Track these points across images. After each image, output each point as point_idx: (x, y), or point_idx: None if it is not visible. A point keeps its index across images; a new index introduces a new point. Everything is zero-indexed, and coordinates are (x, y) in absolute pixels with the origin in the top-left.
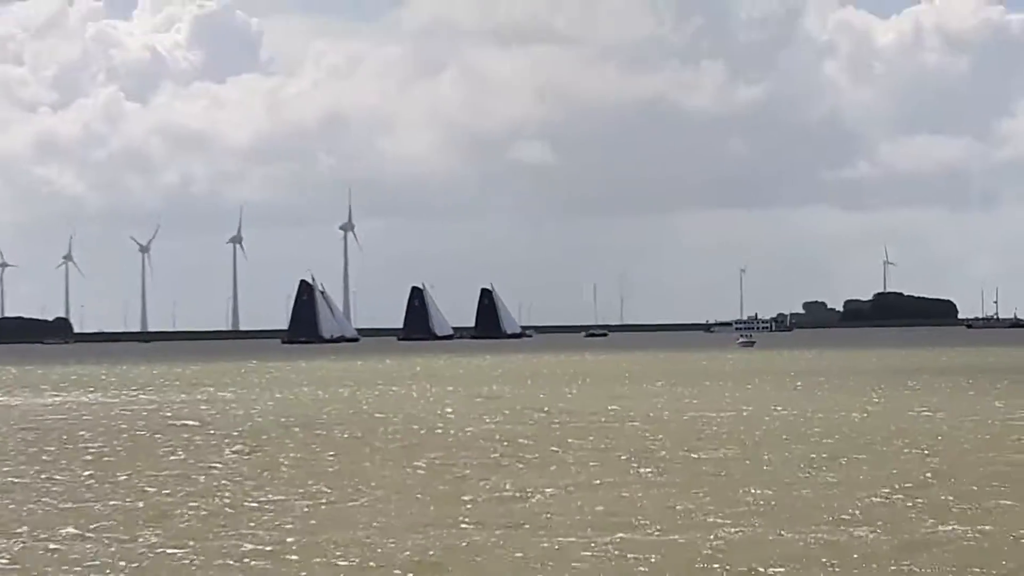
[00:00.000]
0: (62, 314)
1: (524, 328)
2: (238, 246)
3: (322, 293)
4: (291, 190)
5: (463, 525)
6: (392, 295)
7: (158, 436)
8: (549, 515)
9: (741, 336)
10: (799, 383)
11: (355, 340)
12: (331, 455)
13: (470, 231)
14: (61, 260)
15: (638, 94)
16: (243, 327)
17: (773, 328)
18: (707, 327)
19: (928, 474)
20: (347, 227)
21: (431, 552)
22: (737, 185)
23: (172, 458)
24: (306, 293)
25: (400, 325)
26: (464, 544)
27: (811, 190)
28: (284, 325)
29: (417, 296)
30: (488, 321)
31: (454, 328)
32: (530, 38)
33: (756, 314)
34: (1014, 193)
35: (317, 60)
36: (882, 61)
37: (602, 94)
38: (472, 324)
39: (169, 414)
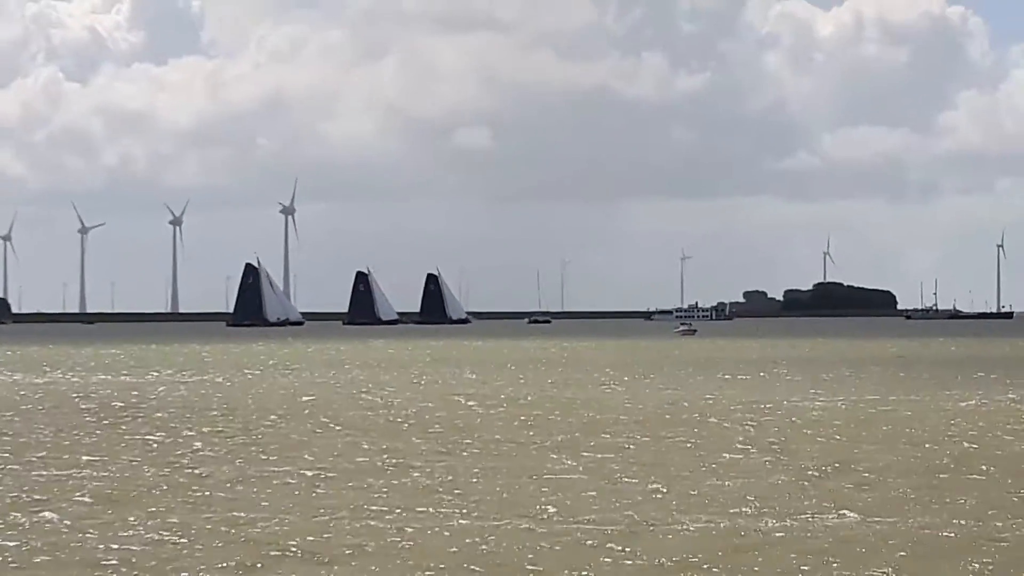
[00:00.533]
0: (0, 294)
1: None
2: (177, 228)
3: (267, 276)
4: (231, 173)
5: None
6: (334, 279)
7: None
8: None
9: (681, 324)
10: (740, 372)
11: (300, 324)
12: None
13: (412, 216)
14: None
15: (580, 82)
16: (182, 309)
17: (713, 317)
18: (648, 315)
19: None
20: (288, 211)
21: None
22: (679, 174)
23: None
24: (251, 276)
25: (343, 309)
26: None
27: (753, 180)
28: (223, 308)
29: (362, 280)
30: (433, 306)
31: (399, 313)
32: (473, 24)
33: (696, 303)
34: (952, 185)
35: (259, 42)
36: (823, 52)
37: (543, 82)
38: (416, 309)
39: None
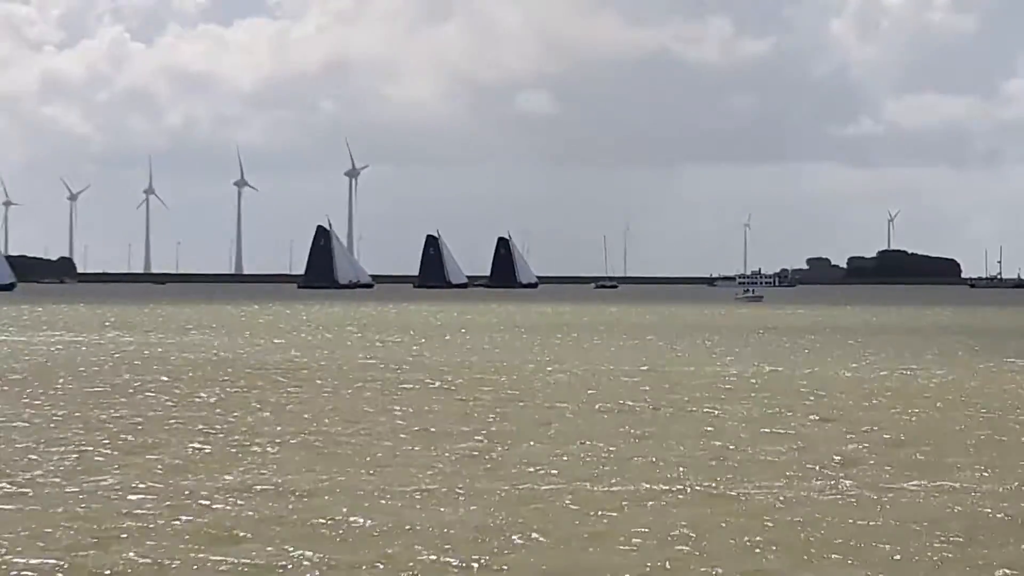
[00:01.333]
0: (66, 254)
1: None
2: (243, 188)
3: (338, 239)
4: (294, 135)
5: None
6: (398, 242)
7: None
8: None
9: (745, 291)
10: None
11: (370, 287)
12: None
13: (474, 180)
14: (66, 200)
15: (642, 47)
16: (246, 271)
17: (776, 284)
18: (710, 281)
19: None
20: (352, 173)
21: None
22: (741, 140)
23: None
24: (323, 238)
25: (409, 271)
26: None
27: (816, 146)
28: (287, 269)
29: (432, 244)
30: (504, 271)
31: (468, 277)
32: None
33: (760, 269)
34: (1018, 153)
35: (323, 4)
36: (889, 18)
37: (605, 46)
38: (481, 272)
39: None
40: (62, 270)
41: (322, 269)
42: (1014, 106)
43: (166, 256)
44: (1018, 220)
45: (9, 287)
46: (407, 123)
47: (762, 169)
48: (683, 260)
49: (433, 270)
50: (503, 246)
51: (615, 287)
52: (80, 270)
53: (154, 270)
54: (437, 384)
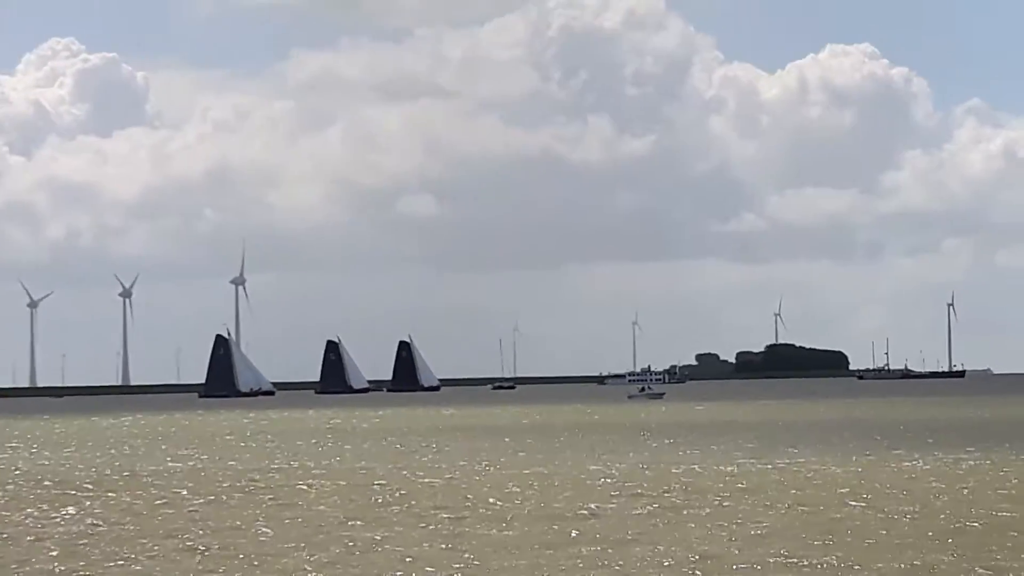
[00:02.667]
0: None
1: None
2: (128, 300)
3: (237, 347)
4: (179, 244)
5: None
6: (291, 349)
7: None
8: None
9: (641, 388)
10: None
11: (271, 394)
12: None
13: (362, 284)
14: None
15: (524, 148)
16: (133, 382)
17: (666, 380)
18: (600, 379)
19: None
20: (238, 281)
21: None
22: (627, 238)
23: None
24: (222, 347)
25: (303, 378)
26: None
27: (701, 243)
28: (174, 379)
29: (332, 350)
30: (405, 374)
31: (370, 381)
32: (415, 93)
33: (649, 366)
34: (899, 245)
35: (204, 113)
36: (768, 115)
37: (488, 148)
38: (373, 377)
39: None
40: None
41: (223, 377)
42: (893, 199)
43: (52, 368)
44: (902, 312)
45: None
46: (291, 229)
47: (649, 266)
48: (573, 359)
49: (335, 375)
50: (404, 349)
51: (512, 387)
52: None
53: (39, 384)
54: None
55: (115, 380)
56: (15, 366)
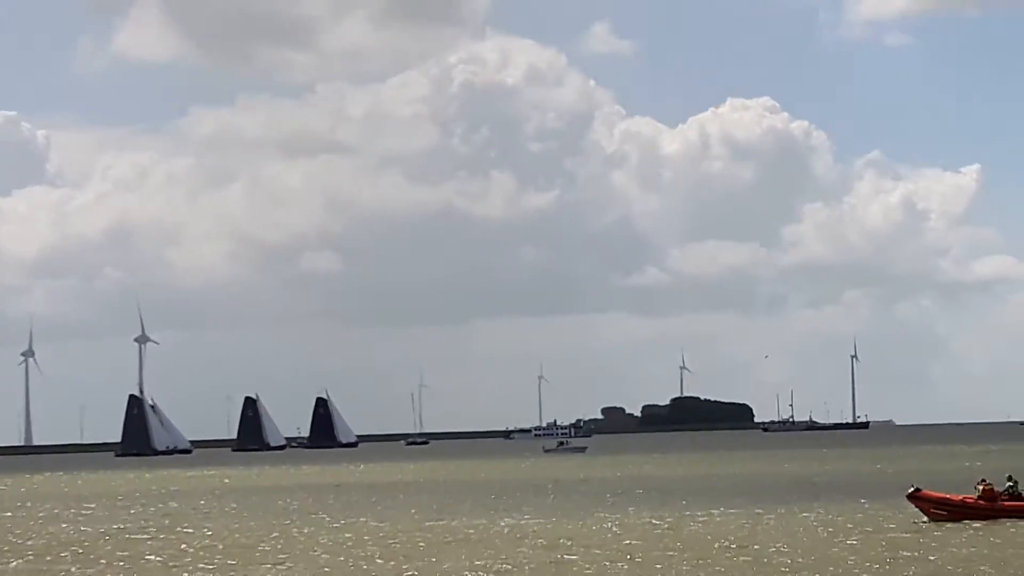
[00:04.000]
0: None
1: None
2: (31, 360)
3: (152, 406)
4: (79, 303)
5: None
6: (195, 406)
7: None
8: None
9: (560, 443)
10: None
11: (188, 452)
12: None
13: (265, 342)
14: None
15: (427, 203)
16: (36, 442)
17: (573, 434)
18: (507, 434)
19: None
20: (142, 339)
21: None
22: (531, 292)
23: None
24: (136, 407)
25: (215, 436)
26: None
27: (604, 296)
28: (78, 439)
29: (250, 406)
30: (323, 430)
31: (287, 438)
32: (316, 149)
33: (556, 420)
34: (801, 298)
35: (104, 172)
36: (669, 169)
37: (390, 204)
38: (288, 434)
39: None
40: None
41: (137, 436)
42: (794, 251)
43: None
44: (806, 364)
45: None
46: (192, 287)
47: (553, 321)
48: (479, 414)
49: (252, 432)
50: (321, 406)
51: (426, 443)
52: None
53: None
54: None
55: (18, 440)
56: None
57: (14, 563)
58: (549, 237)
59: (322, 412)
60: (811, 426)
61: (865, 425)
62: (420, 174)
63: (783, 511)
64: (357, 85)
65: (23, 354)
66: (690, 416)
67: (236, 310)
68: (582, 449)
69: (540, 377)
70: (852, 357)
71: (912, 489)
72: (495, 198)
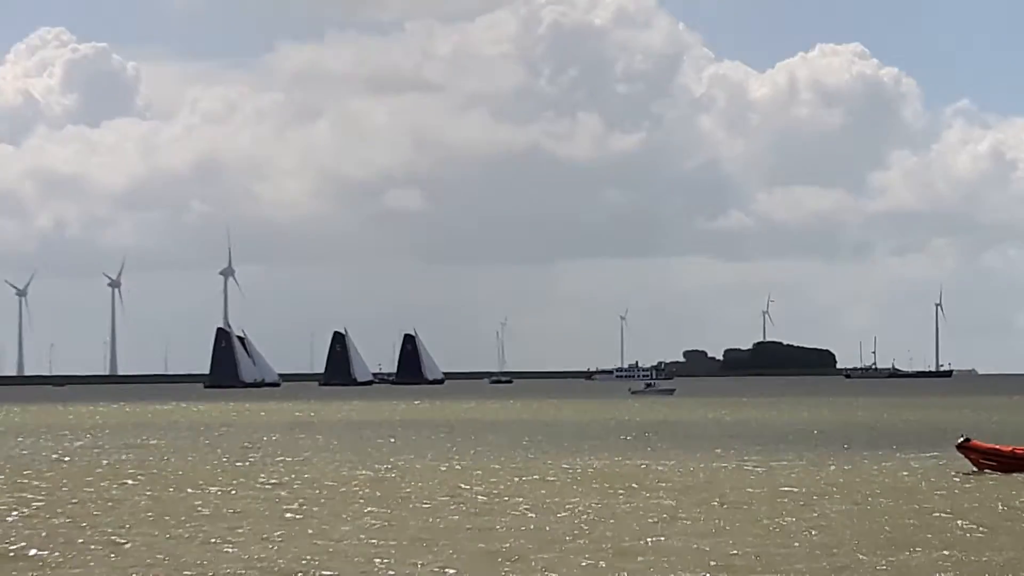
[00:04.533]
0: None
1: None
2: (115, 291)
3: (241, 339)
4: (165, 235)
5: None
6: (278, 340)
7: None
8: None
9: (648, 384)
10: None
11: (276, 385)
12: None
13: (348, 277)
14: None
15: (512, 144)
16: (121, 372)
17: (655, 376)
18: (588, 375)
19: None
20: (227, 272)
21: None
22: (614, 234)
23: None
24: (224, 340)
25: (294, 369)
26: None
27: (688, 240)
28: (162, 369)
29: (339, 341)
30: (410, 367)
31: (374, 374)
32: (403, 86)
33: (636, 362)
34: (886, 245)
35: (192, 105)
36: (757, 114)
37: (476, 143)
38: (373, 369)
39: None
40: None
41: (226, 369)
42: (881, 199)
43: (39, 358)
44: (890, 311)
45: None
46: (278, 222)
47: (636, 263)
48: (560, 354)
49: (339, 367)
50: (409, 342)
51: (510, 382)
52: None
53: (27, 373)
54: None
55: (103, 370)
56: (3, 354)
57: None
58: (634, 180)
59: (409, 349)
60: (893, 374)
61: (948, 374)
62: (506, 114)
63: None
64: (445, 23)
65: (109, 284)
66: (772, 361)
67: (318, 245)
68: (670, 391)
69: (622, 318)
70: (937, 305)
71: (961, 439)
72: (581, 139)
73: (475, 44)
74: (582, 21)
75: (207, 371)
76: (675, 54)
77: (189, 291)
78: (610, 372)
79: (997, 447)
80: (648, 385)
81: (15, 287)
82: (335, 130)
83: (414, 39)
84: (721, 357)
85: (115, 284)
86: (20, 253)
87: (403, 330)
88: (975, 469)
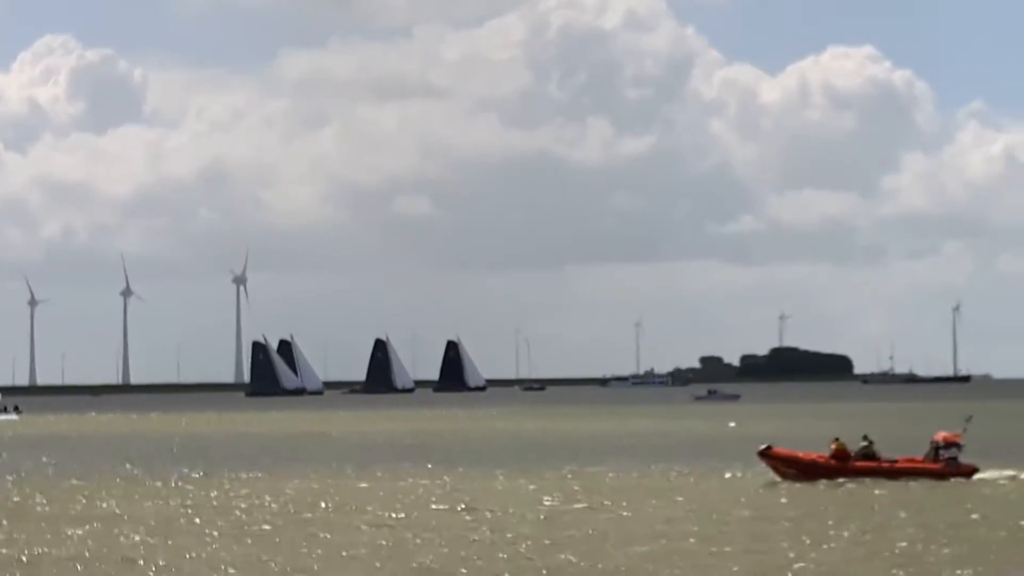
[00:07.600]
0: None
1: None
2: (129, 298)
3: (287, 343)
4: (173, 243)
5: None
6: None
7: None
8: None
9: (711, 391)
10: None
11: (319, 393)
12: None
13: (357, 284)
14: None
15: (522, 149)
16: (133, 381)
17: (671, 383)
18: (603, 381)
19: None
20: (239, 279)
21: None
22: (624, 239)
23: None
24: (261, 352)
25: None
26: None
27: (699, 244)
28: (174, 378)
29: (380, 348)
30: (452, 374)
31: (416, 381)
32: (409, 92)
33: (652, 368)
34: (899, 249)
35: (199, 112)
36: (768, 118)
37: (485, 149)
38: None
39: None
40: None
41: (267, 378)
42: (893, 202)
43: (51, 367)
44: (905, 316)
45: None
46: (285, 229)
47: (647, 268)
48: (573, 360)
49: (380, 375)
50: (452, 349)
51: (542, 389)
52: None
53: (39, 382)
54: None
55: (115, 379)
56: (15, 364)
57: None
58: (645, 184)
59: (452, 355)
60: (911, 379)
61: (967, 378)
62: (515, 119)
63: None
64: (453, 28)
65: (121, 293)
66: (788, 367)
67: (329, 253)
68: (735, 397)
69: (637, 324)
70: (954, 310)
71: (763, 447)
72: (591, 144)
73: (483, 49)
74: (591, 25)
75: (218, 380)
76: (685, 58)
77: (198, 299)
78: (625, 379)
79: (796, 454)
80: (711, 392)
81: (31, 292)
82: (342, 137)
83: (422, 44)
84: (738, 363)
85: (127, 292)
86: (27, 261)
87: (413, 336)
88: (778, 477)
